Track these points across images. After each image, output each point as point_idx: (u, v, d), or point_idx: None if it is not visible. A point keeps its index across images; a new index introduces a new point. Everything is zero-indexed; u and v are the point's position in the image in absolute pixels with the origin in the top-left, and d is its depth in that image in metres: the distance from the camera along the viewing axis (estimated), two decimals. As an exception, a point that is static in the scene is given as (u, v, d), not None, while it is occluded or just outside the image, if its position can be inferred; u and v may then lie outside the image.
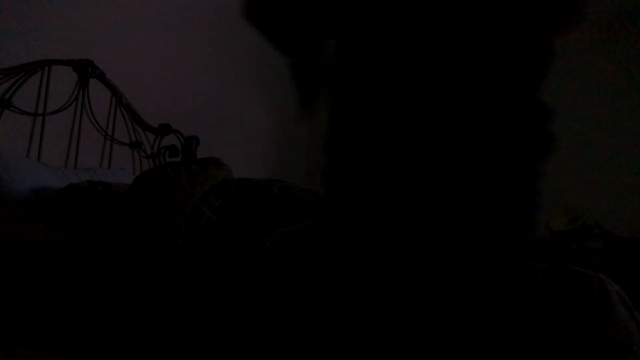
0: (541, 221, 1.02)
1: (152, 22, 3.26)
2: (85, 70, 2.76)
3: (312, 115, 1.15)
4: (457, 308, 0.92)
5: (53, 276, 1.56)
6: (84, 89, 2.78)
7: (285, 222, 1.50)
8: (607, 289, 1.04)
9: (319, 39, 1.18)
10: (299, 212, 1.56)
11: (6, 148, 2.38)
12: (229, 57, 3.95)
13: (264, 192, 1.65)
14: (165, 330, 1.36)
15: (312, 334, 1.21)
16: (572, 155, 4.07)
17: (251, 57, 4.18)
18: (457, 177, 0.92)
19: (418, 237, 0.93)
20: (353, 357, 1.14)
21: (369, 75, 1.00)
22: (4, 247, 1.71)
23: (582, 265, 1.21)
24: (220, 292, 1.34)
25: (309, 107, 1.14)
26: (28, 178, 2.17)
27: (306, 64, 1.18)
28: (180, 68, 3.49)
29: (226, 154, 3.06)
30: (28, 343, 1.52)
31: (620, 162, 3.92)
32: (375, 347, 1.06)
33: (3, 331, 1.58)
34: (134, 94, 3.10)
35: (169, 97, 3.39)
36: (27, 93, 2.53)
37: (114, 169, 2.84)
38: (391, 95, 0.96)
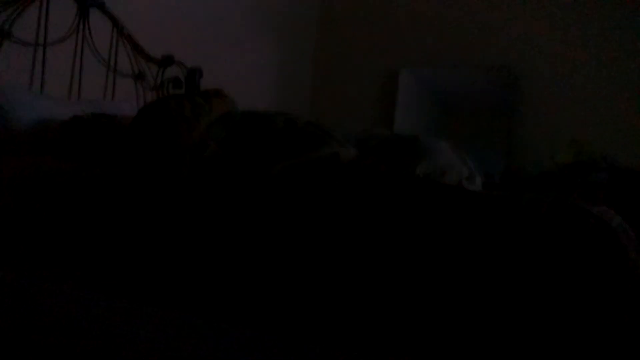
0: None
1: (151, -53, 3.14)
2: (84, -2, 2.69)
3: None
4: None
5: (58, 207, 1.58)
6: (84, 19, 2.72)
7: (290, 154, 1.50)
8: (612, 226, 1.02)
9: None
10: (304, 145, 1.55)
11: (8, 79, 2.35)
12: (231, -15, 3.84)
13: (269, 124, 1.64)
14: (169, 262, 1.38)
15: (315, 266, 1.23)
16: (577, 89, 4.01)
17: (254, -14, 4.07)
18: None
19: None
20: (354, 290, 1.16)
21: None
22: (9, 179, 1.72)
23: (587, 199, 1.20)
24: (225, 223, 1.35)
25: None
26: (31, 109, 2.15)
27: None
28: (182, -3, 3.40)
29: (230, 85, 3.03)
30: (34, 273, 1.56)
31: (626, 94, 3.86)
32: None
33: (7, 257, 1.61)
34: (136, 25, 3.02)
35: (171, 28, 3.32)
36: (26, 23, 2.47)
37: (118, 101, 2.82)
38: None
